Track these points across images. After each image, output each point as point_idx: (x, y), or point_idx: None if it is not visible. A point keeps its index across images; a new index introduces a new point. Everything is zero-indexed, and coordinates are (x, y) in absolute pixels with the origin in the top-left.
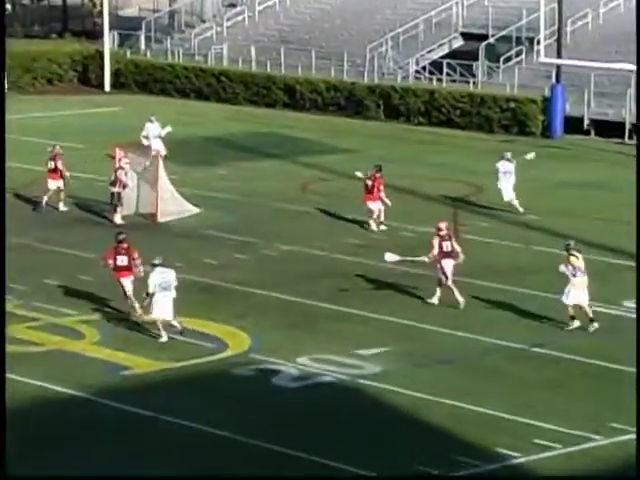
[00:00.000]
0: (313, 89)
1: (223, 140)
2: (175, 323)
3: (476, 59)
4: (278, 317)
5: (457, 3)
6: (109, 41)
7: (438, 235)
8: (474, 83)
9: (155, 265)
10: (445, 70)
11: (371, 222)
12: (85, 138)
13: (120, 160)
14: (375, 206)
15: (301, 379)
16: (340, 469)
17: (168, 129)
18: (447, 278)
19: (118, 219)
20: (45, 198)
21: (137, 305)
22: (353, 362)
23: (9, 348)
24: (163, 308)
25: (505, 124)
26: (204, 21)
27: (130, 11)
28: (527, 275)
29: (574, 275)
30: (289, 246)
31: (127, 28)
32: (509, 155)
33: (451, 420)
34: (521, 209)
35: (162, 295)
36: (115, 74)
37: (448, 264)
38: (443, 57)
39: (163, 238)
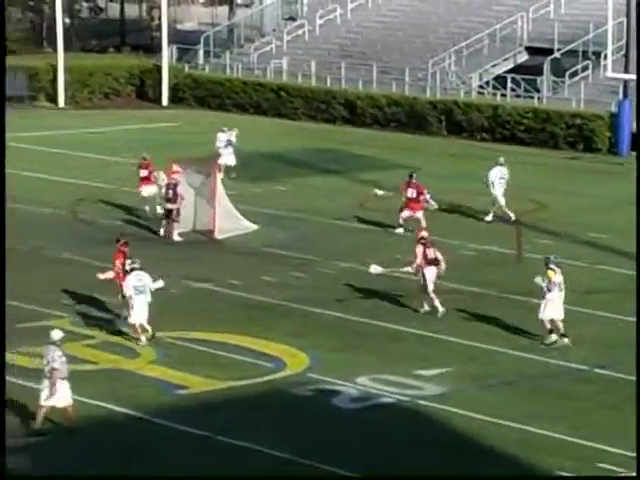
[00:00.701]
0: (374, 104)
1: (282, 156)
2: (148, 328)
3: (541, 74)
4: (337, 336)
5: (522, 17)
6: (167, 55)
7: (421, 243)
8: (539, 98)
9: (133, 269)
10: (509, 85)
11: (401, 230)
12: (141, 153)
13: (172, 174)
14: (420, 214)
15: (361, 400)
16: None
17: (235, 132)
18: (427, 286)
19: (176, 236)
20: (158, 208)
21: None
22: (413, 383)
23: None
24: (139, 311)
25: (571, 140)
26: (263, 35)
27: (189, 25)
28: (591, 295)
29: (549, 290)
30: (347, 263)
31: (186, 42)
32: (502, 160)
33: (514, 443)
34: (512, 215)
35: (138, 298)
36: (173, 89)
37: (431, 271)
38: (507, 72)
39: (220, 255)
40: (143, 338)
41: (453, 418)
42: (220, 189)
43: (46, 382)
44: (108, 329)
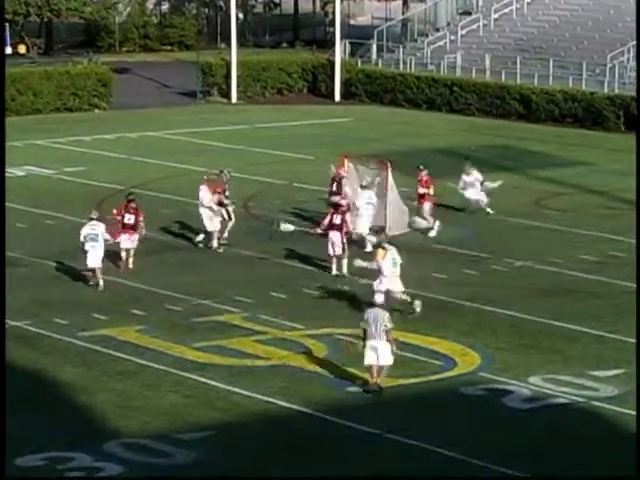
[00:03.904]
0: (550, 99)
1: (454, 152)
2: (99, 276)
3: None
4: (509, 335)
5: None
6: (340, 50)
7: (336, 210)
8: None
9: (91, 219)
10: None
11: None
12: (314, 149)
13: (340, 170)
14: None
15: (533, 400)
16: None
17: (499, 183)
18: (335, 249)
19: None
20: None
21: (131, 260)
22: (588, 384)
23: (232, 361)
24: (92, 258)
25: None
26: (437, 30)
27: (362, 20)
28: None
29: (380, 267)
30: (521, 261)
31: (359, 37)
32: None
33: None
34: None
35: (90, 246)
36: (345, 84)
37: (336, 236)
38: None
39: None
40: (101, 282)
41: (629, 421)
42: (392, 185)
43: (373, 343)
44: (280, 325)
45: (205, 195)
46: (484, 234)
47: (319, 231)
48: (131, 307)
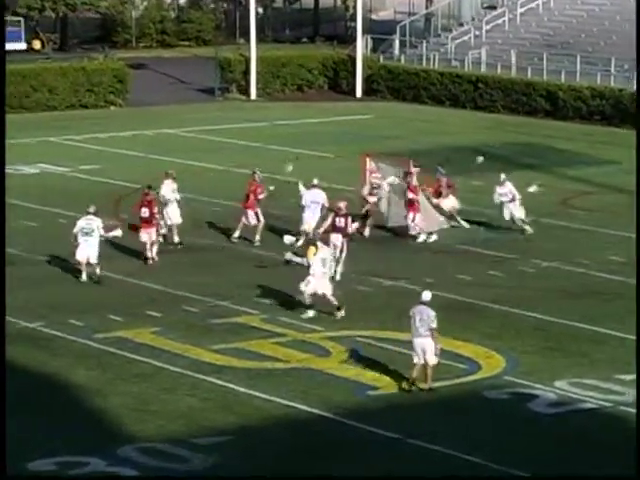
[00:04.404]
0: (577, 96)
1: (479, 150)
2: (97, 271)
3: None
4: (535, 338)
5: None
6: (362, 46)
7: (336, 214)
8: None
9: (88, 212)
10: None
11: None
12: (334, 147)
13: (371, 174)
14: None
15: (559, 405)
16: None
17: (534, 188)
18: (340, 251)
19: (367, 232)
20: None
21: (150, 254)
22: (615, 388)
23: (250, 364)
24: (83, 251)
25: None
26: (462, 24)
27: (384, 14)
28: None
29: (309, 266)
30: (547, 262)
31: (381, 32)
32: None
33: None
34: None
35: (84, 239)
36: (367, 80)
37: (337, 238)
38: None
39: (414, 252)
40: (84, 275)
41: None
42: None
43: (418, 340)
44: (300, 328)
45: (166, 189)
46: (509, 234)
47: (320, 232)
48: (147, 308)
